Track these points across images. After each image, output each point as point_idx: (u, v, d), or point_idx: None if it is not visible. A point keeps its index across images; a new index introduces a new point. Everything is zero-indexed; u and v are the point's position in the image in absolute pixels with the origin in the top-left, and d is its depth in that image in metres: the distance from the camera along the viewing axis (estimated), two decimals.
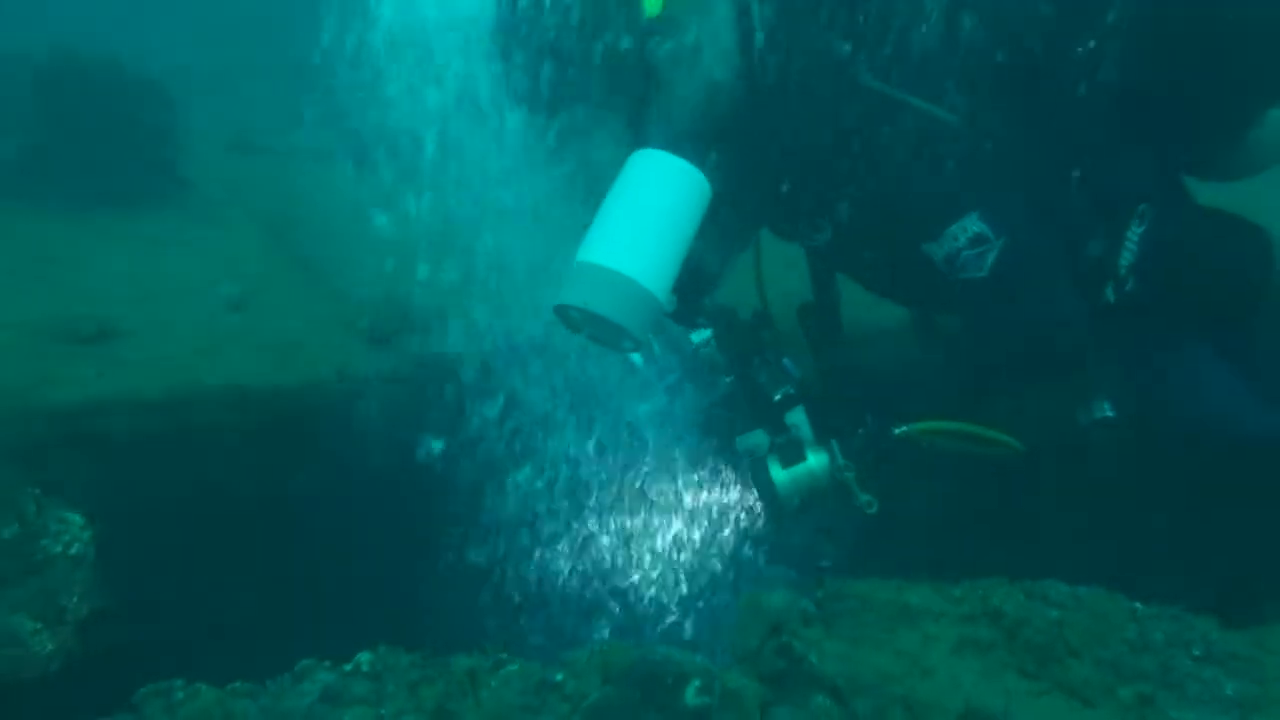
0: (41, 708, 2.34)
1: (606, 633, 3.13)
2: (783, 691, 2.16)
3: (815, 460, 2.72)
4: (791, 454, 2.74)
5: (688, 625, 3.01)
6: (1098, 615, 2.24)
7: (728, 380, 2.91)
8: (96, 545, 2.84)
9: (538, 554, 3.20)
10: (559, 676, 2.22)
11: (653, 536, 3.00)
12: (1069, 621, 2.23)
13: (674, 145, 2.42)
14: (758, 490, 2.79)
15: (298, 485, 3.80)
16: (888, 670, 2.20)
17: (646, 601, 3.04)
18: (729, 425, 2.92)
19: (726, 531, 2.93)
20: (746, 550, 2.92)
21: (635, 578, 3.03)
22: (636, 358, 2.78)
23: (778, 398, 2.82)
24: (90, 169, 6.15)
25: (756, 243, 3.02)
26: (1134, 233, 2.74)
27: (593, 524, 3.10)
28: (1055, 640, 2.21)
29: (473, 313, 2.97)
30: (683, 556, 2.97)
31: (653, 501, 2.99)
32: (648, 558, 3.00)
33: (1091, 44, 2.64)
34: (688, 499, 2.96)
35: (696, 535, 2.95)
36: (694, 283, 2.65)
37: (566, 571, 3.16)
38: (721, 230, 2.66)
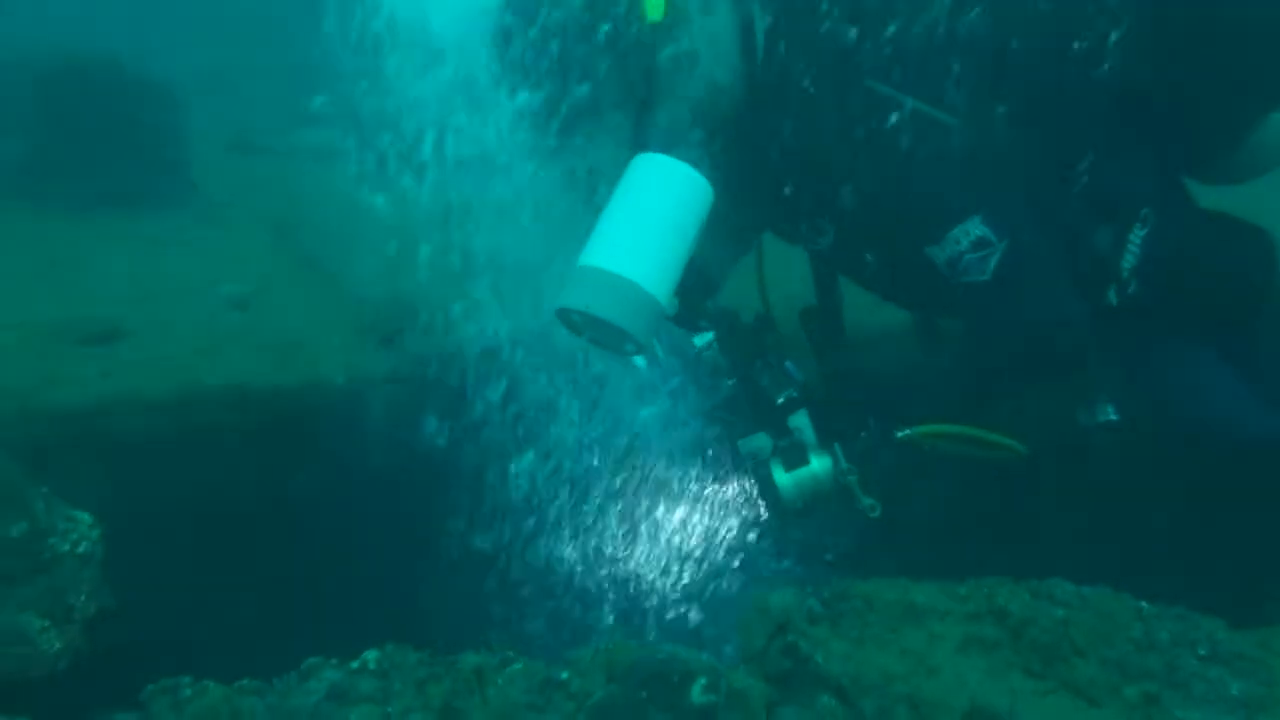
0: (50, 705, 2.34)
1: (611, 619, 3.13)
2: (788, 691, 2.17)
3: (818, 463, 2.72)
4: (794, 457, 2.74)
5: (692, 615, 3.01)
6: (1103, 614, 2.25)
7: (730, 383, 2.91)
8: (105, 544, 2.84)
9: (543, 546, 3.20)
10: (564, 675, 2.22)
11: (659, 527, 3.00)
12: (1074, 621, 2.24)
13: (676, 149, 2.43)
14: (761, 493, 2.80)
15: (302, 484, 3.81)
16: (893, 669, 2.20)
17: (652, 593, 3.05)
18: (732, 428, 2.92)
19: (732, 523, 2.94)
20: (752, 542, 2.92)
21: (642, 568, 3.04)
22: (639, 361, 2.79)
23: (781, 401, 2.82)
24: (94, 170, 6.16)
25: (759, 246, 3.03)
26: (1136, 235, 2.74)
27: (600, 514, 3.11)
28: (1061, 639, 2.21)
29: (478, 309, 2.97)
30: (689, 545, 2.98)
31: (659, 492, 2.99)
32: (655, 549, 3.01)
33: (1092, 46, 2.64)
34: (693, 490, 2.96)
35: (701, 524, 2.96)
36: (696, 286, 2.66)
37: (572, 563, 3.17)
38: (724, 233, 2.67)
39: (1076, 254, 2.71)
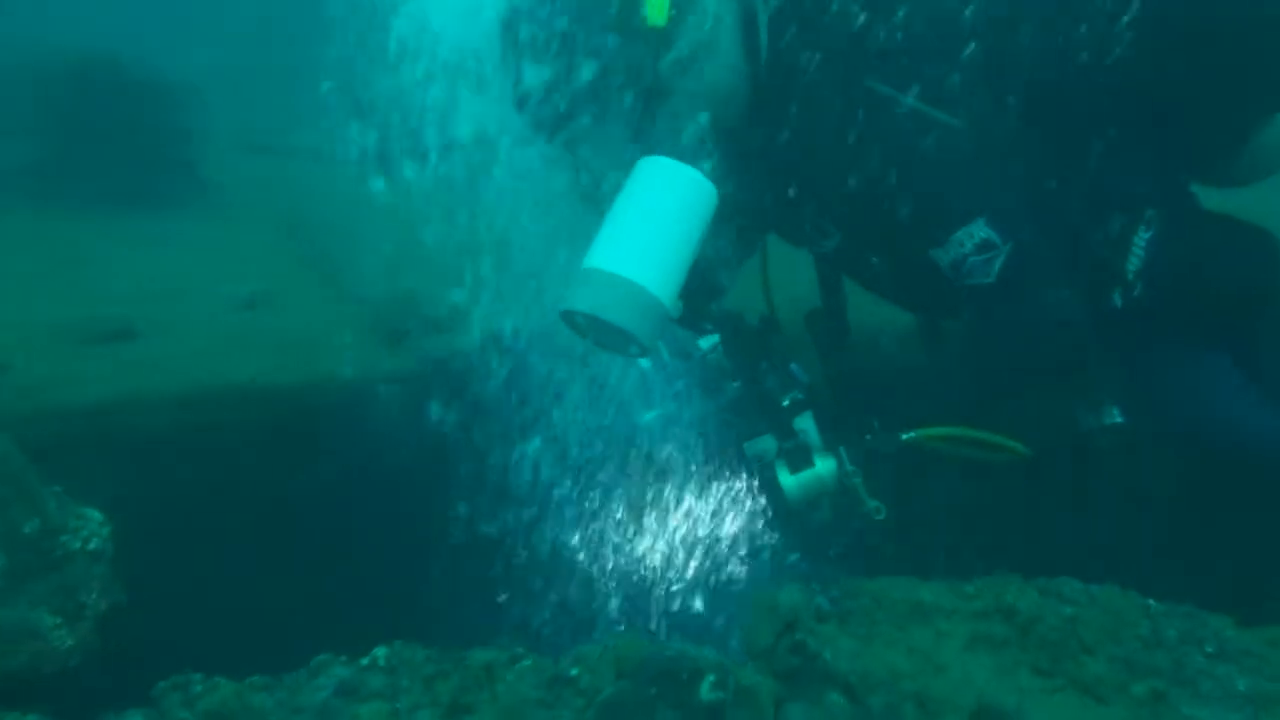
0: (61, 702, 2.35)
1: (618, 611, 3.14)
2: (797, 688, 2.17)
3: (823, 466, 2.72)
4: (799, 460, 2.75)
5: (699, 607, 3.02)
6: (1111, 612, 2.24)
7: (735, 386, 2.92)
8: (115, 541, 2.85)
9: (551, 540, 3.21)
10: (574, 671, 2.23)
11: (666, 518, 3.01)
12: (1082, 618, 2.24)
13: (680, 152, 2.44)
14: (766, 496, 2.80)
15: (313, 481, 3.83)
16: (901, 667, 2.21)
17: (659, 585, 3.06)
18: (737, 431, 2.92)
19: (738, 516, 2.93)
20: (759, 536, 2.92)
21: (649, 559, 3.04)
22: (645, 363, 2.80)
23: (786, 403, 2.83)
24: (104, 169, 6.20)
25: (763, 248, 3.03)
26: (1140, 238, 2.74)
27: (607, 506, 3.11)
28: (1069, 637, 2.21)
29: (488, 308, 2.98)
30: (696, 536, 2.98)
31: (666, 482, 2.99)
32: (662, 540, 3.01)
33: (1096, 48, 2.64)
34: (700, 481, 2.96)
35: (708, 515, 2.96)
36: (701, 288, 2.66)
37: (581, 556, 3.17)
38: (729, 236, 2.68)
39: (1081, 256, 2.70)
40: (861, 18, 2.54)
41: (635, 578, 3.09)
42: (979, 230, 2.48)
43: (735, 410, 2.91)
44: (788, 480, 2.73)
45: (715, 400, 2.91)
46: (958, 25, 2.52)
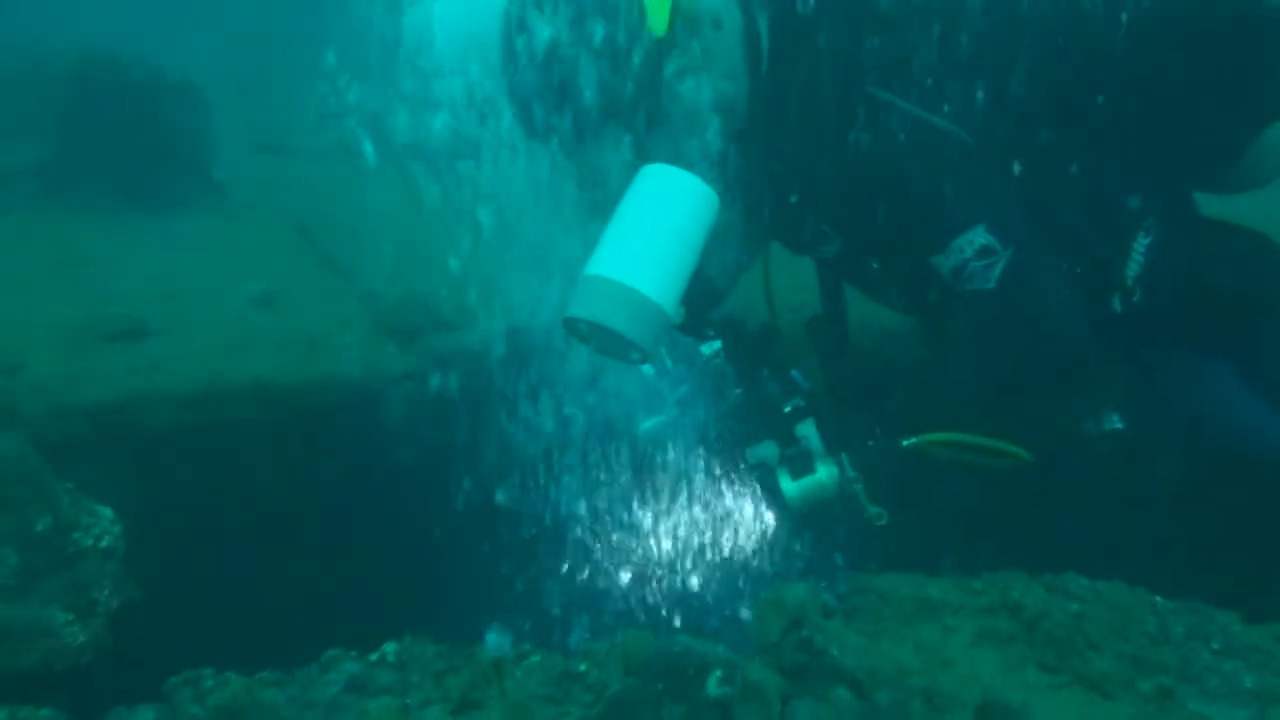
0: (74, 698, 2.37)
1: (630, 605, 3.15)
2: (804, 684, 2.17)
3: (825, 472, 2.72)
4: (801, 466, 2.75)
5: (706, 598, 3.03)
6: (1118, 609, 2.25)
7: (737, 392, 2.92)
8: (127, 539, 2.87)
9: (563, 536, 3.22)
10: (582, 667, 2.24)
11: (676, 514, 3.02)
12: (1089, 615, 2.24)
13: (681, 159, 2.44)
14: (768, 502, 2.81)
15: (323, 478, 3.85)
16: (908, 663, 2.21)
17: (669, 581, 3.07)
18: (739, 437, 2.92)
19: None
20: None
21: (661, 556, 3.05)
22: (647, 369, 2.80)
23: (787, 410, 2.83)
24: (118, 170, 6.23)
25: (765, 255, 3.04)
26: (1140, 244, 2.74)
27: (620, 505, 3.12)
28: (1075, 633, 2.22)
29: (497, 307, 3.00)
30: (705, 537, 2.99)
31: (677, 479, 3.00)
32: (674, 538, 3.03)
33: (1096, 57, 2.64)
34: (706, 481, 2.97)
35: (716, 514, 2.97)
36: (703, 295, 2.67)
37: (592, 550, 3.19)
38: (730, 243, 2.68)
39: (1081, 262, 2.70)
40: (861, 25, 2.55)
41: (643, 573, 3.11)
42: (979, 236, 2.47)
43: (737, 416, 2.91)
44: (789, 487, 2.73)
45: (717, 406, 2.91)
46: (957, 32, 2.53)
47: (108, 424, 3.68)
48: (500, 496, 3.15)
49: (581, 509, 3.17)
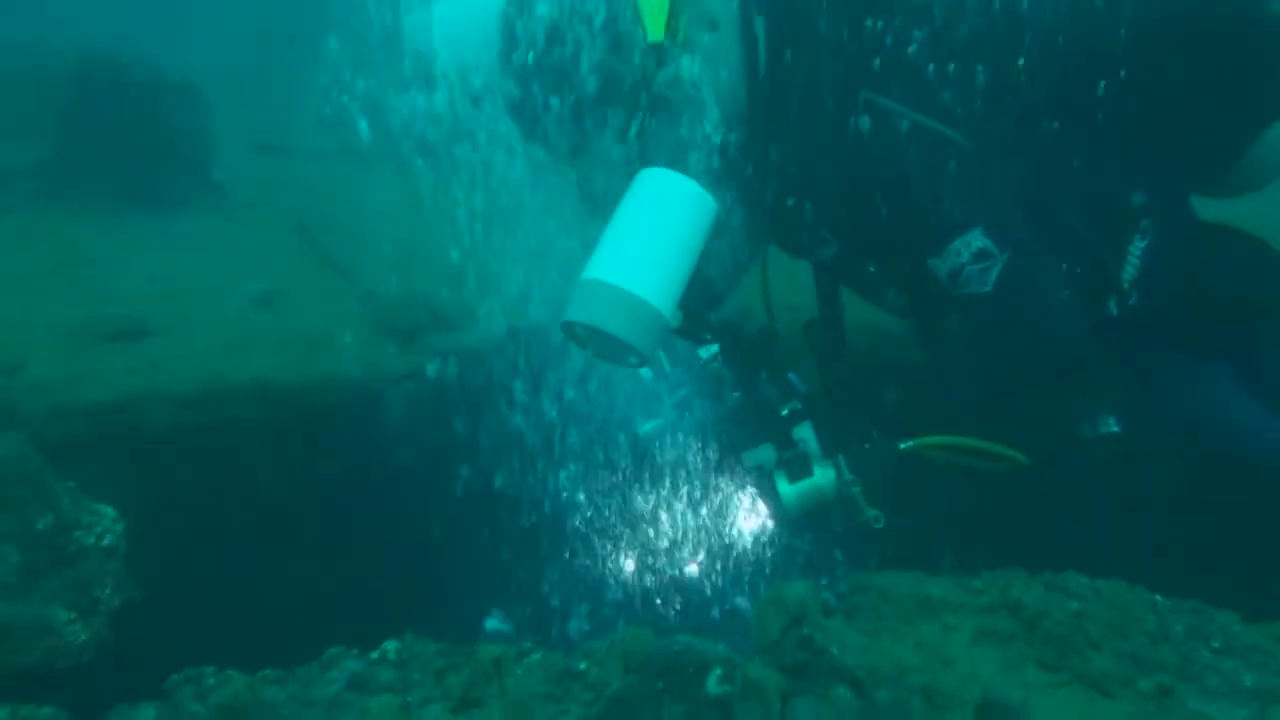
0: (76, 696, 2.38)
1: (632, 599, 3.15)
2: (804, 682, 2.18)
3: (822, 475, 2.72)
4: (798, 469, 2.75)
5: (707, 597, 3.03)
6: (1118, 607, 2.25)
7: (735, 395, 2.92)
8: (128, 538, 2.87)
9: (566, 534, 3.22)
10: (582, 665, 2.25)
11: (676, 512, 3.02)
12: (1089, 613, 2.25)
13: (679, 163, 2.45)
14: (765, 505, 2.81)
15: (323, 478, 3.85)
16: (908, 661, 2.22)
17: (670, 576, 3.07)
18: (736, 440, 2.92)
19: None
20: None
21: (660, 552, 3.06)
22: (645, 372, 2.80)
23: (785, 413, 2.83)
24: (118, 170, 6.23)
25: (763, 258, 3.04)
26: (1137, 247, 2.74)
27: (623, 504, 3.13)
28: (1075, 632, 2.22)
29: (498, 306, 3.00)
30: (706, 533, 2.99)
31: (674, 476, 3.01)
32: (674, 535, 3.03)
33: (1093, 59, 2.64)
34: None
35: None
36: (700, 299, 2.67)
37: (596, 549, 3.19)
38: (728, 246, 2.68)
39: (1077, 266, 2.70)
40: (859, 30, 2.55)
41: (646, 571, 3.11)
42: (976, 240, 2.47)
43: (734, 420, 2.92)
44: (787, 490, 2.73)
45: (715, 409, 2.92)
46: (954, 36, 2.53)
47: (108, 424, 3.68)
48: (499, 483, 3.16)
49: (580, 498, 3.18)
